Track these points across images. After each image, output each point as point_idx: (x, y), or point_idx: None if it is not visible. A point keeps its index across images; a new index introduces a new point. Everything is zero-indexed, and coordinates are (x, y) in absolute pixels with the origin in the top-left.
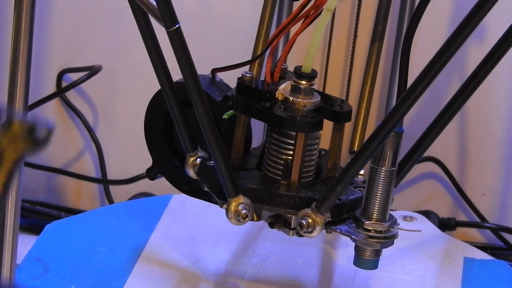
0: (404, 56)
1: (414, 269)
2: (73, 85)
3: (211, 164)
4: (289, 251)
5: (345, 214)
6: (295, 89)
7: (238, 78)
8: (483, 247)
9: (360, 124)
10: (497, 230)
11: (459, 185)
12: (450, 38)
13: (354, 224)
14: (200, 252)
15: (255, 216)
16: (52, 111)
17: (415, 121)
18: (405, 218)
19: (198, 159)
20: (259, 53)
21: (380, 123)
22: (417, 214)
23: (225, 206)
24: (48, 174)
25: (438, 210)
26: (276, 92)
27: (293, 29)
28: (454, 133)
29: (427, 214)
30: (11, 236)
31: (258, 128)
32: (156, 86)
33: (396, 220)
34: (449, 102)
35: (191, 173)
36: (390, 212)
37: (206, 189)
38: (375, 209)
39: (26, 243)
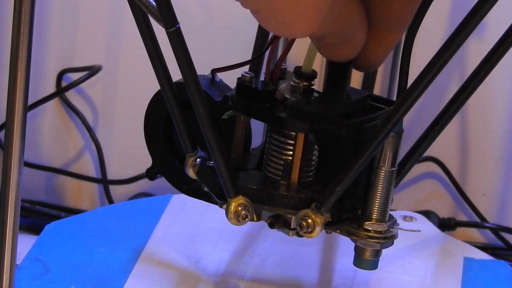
0: (405, 56)
1: (414, 269)
2: (73, 85)
3: (210, 164)
4: (289, 251)
5: (345, 214)
6: (294, 89)
7: (238, 78)
8: (483, 247)
9: None
10: (497, 230)
11: (459, 185)
12: (450, 38)
13: (354, 224)
14: (200, 252)
15: (255, 216)
16: (52, 111)
17: (415, 121)
18: (405, 218)
19: (198, 159)
20: (259, 53)
21: (380, 123)
22: (417, 214)
23: (225, 206)
24: (48, 174)
25: (438, 210)
26: (276, 92)
27: None
28: (454, 133)
29: (427, 214)
30: (11, 236)
31: (258, 128)
32: (156, 86)
33: (396, 220)
34: (449, 102)
35: (191, 173)
36: (390, 212)
37: (206, 189)
38: (375, 209)
39: (26, 243)
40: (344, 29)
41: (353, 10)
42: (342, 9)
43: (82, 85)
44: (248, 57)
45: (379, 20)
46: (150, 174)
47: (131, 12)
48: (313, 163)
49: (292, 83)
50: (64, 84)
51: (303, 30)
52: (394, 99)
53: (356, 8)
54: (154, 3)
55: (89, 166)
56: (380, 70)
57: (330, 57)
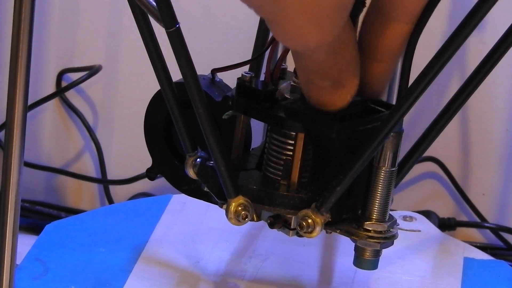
0: (407, 58)
1: (414, 269)
2: (73, 85)
3: (211, 164)
4: (289, 251)
5: (345, 214)
6: (294, 89)
7: (238, 78)
8: (483, 247)
9: None
10: (497, 230)
11: (459, 185)
12: (450, 38)
13: (354, 224)
14: (200, 252)
15: (255, 216)
16: (52, 111)
17: (415, 121)
18: (405, 218)
19: (198, 159)
20: (259, 53)
21: (380, 123)
22: (417, 214)
23: (225, 206)
24: (48, 174)
25: (438, 210)
26: (276, 92)
27: None
28: (454, 133)
29: (427, 214)
30: (11, 236)
31: (258, 128)
32: (156, 86)
33: (396, 220)
34: (449, 102)
35: (191, 173)
36: (390, 212)
37: (205, 189)
38: (375, 209)
39: (26, 243)
40: (341, 65)
41: (353, 45)
42: (347, 37)
43: (82, 85)
44: (248, 57)
45: (371, 53)
46: (150, 174)
47: (131, 12)
48: (311, 163)
49: (292, 83)
50: (64, 84)
51: (316, 40)
52: (394, 100)
53: (354, 48)
54: (154, 3)
55: (89, 166)
56: None
57: (320, 103)
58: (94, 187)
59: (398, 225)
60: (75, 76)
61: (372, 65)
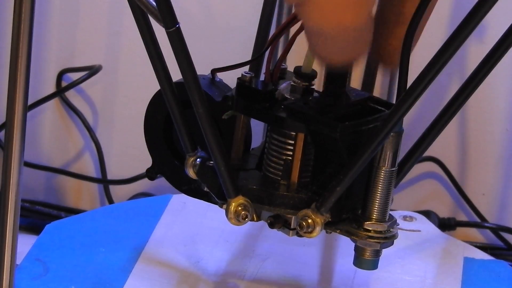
0: (404, 57)
1: (414, 269)
2: (73, 85)
3: (210, 164)
4: (289, 251)
5: (345, 214)
6: (294, 89)
7: (238, 78)
8: (483, 247)
9: None
10: (497, 230)
11: (459, 185)
12: (450, 38)
13: (354, 224)
14: (200, 252)
15: (254, 216)
16: (52, 111)
17: (415, 121)
18: (405, 218)
19: (198, 159)
20: (259, 53)
21: (380, 123)
22: (417, 214)
23: (225, 206)
24: (48, 174)
25: (438, 210)
26: (276, 92)
27: (293, 29)
28: (454, 133)
29: (427, 214)
30: (11, 236)
31: (258, 128)
32: (156, 86)
33: (396, 220)
34: (449, 102)
35: (191, 173)
36: (390, 212)
37: (205, 189)
38: (375, 209)
39: (26, 243)
40: (360, 45)
41: (372, 27)
42: (371, 18)
43: (82, 85)
44: (248, 57)
45: (395, 18)
46: (150, 174)
47: (131, 12)
48: (312, 163)
49: (292, 83)
50: (64, 84)
51: (351, 19)
52: (394, 100)
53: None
54: (154, 3)
55: (89, 166)
56: (380, 70)
57: (332, 60)
58: (94, 187)
59: (398, 225)
60: (75, 76)
61: (396, 29)
